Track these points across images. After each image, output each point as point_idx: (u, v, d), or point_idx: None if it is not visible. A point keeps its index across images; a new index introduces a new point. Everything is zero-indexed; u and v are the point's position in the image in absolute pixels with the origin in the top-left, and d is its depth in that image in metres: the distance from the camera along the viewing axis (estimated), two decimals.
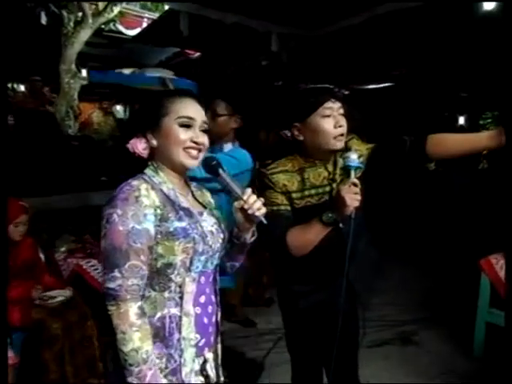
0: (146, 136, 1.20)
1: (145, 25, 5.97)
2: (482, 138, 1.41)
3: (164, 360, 1.12)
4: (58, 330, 2.45)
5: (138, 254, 1.08)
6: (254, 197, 1.19)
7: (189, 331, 1.15)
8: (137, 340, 1.04)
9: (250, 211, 1.18)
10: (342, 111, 1.55)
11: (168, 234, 1.12)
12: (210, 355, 1.25)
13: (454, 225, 5.08)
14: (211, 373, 1.25)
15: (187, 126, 1.18)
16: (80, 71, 5.01)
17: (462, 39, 5.05)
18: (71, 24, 4.76)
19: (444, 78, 6.60)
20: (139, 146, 1.21)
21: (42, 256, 2.78)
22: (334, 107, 1.53)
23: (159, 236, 1.12)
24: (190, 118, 1.19)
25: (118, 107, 8.88)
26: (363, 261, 1.68)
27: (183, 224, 1.14)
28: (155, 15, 5.80)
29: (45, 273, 2.70)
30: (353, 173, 1.44)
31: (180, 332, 1.14)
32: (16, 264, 2.43)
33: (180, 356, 1.14)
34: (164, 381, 1.11)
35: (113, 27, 5.68)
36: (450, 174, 5.68)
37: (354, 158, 1.45)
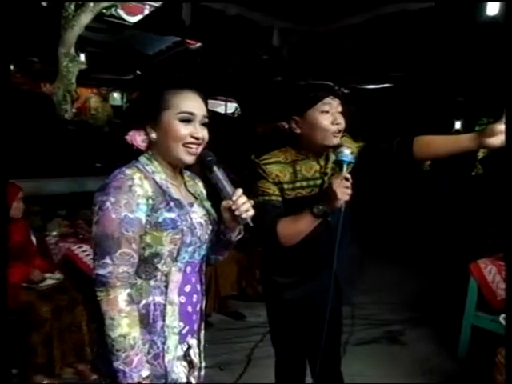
0: (146, 128, 1.19)
1: (147, 12, 5.89)
2: (463, 140, 1.47)
3: (147, 346, 1.14)
4: (46, 313, 2.44)
5: (129, 242, 1.09)
6: (244, 198, 1.19)
7: (172, 319, 1.17)
8: (125, 326, 1.06)
9: (237, 212, 1.18)
10: (340, 109, 1.58)
11: (157, 224, 1.13)
12: (193, 341, 1.27)
13: (446, 227, 5.13)
14: (195, 358, 1.27)
15: (187, 121, 1.17)
16: (79, 55, 4.96)
17: (462, 44, 5.08)
18: (72, 7, 4.69)
19: (442, 82, 6.63)
20: (138, 139, 1.21)
21: (33, 239, 2.77)
22: (332, 104, 1.55)
23: (148, 226, 1.13)
24: (191, 114, 1.17)
25: (115, 94, 8.83)
26: (347, 256, 1.70)
27: (172, 215, 1.15)
28: (158, 3, 5.73)
29: (36, 256, 2.69)
30: (345, 167, 1.47)
31: (164, 320, 1.16)
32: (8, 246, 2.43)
33: (163, 343, 1.16)
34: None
35: (114, 12, 5.58)
36: (442, 177, 5.73)
37: (347, 153, 1.48)
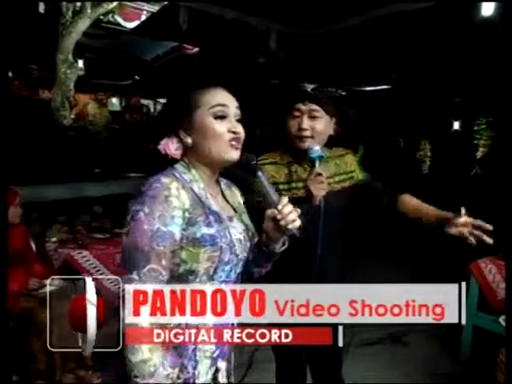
0: (179, 135, 1.11)
1: (144, 17, 5.91)
2: (437, 215, 1.57)
3: (176, 370, 1.05)
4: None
5: (159, 257, 1.01)
6: (290, 207, 1.08)
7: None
8: (146, 350, 0.98)
9: (282, 222, 1.07)
10: (314, 113, 1.55)
11: (194, 240, 1.04)
12: (222, 364, 1.17)
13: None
14: (221, 381, 1.18)
15: (222, 117, 1.10)
16: (77, 61, 4.96)
17: (458, 44, 5.09)
18: (69, 13, 4.70)
19: (440, 83, 6.64)
20: (171, 147, 1.12)
21: (33, 245, 2.77)
22: (302, 109, 1.55)
23: (184, 241, 1.04)
24: (224, 105, 1.10)
25: (114, 100, 8.82)
26: (335, 256, 1.69)
27: (211, 231, 1.06)
28: (155, 8, 5.75)
29: (36, 262, 2.68)
30: (317, 163, 1.48)
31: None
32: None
33: (194, 368, 1.08)
34: None
35: (111, 18, 5.59)
36: (442, 178, 5.72)
37: (316, 149, 1.49)
